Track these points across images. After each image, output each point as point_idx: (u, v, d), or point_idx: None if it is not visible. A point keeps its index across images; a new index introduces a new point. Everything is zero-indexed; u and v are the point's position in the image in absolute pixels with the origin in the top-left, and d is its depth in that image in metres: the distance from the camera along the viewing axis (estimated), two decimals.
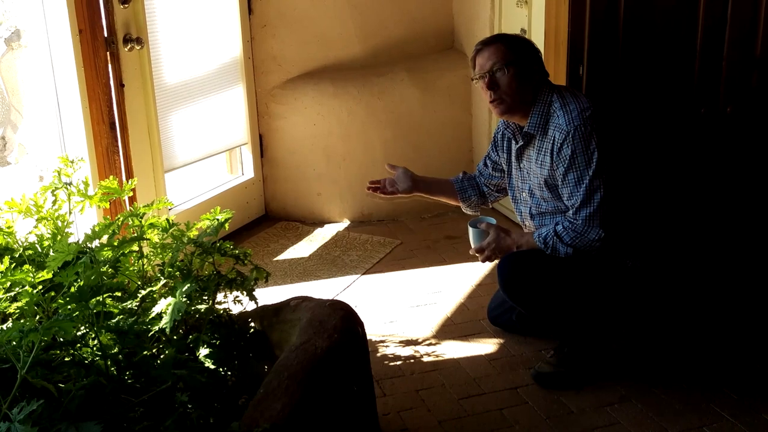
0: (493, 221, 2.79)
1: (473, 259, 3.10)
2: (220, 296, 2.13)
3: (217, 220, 2.19)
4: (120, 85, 3.30)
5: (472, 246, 2.75)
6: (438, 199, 3.11)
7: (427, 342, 3.03)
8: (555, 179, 2.60)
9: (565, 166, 2.54)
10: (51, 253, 1.89)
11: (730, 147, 2.90)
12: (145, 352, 1.82)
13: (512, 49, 2.60)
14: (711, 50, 2.83)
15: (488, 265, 3.54)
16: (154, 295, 2.01)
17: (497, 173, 2.93)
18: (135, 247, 2.13)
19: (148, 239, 2.17)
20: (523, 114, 2.64)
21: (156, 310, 1.88)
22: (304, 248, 3.98)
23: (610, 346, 2.81)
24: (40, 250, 2.07)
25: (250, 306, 2.17)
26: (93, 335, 1.77)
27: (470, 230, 2.75)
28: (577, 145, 2.51)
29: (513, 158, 2.79)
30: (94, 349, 1.77)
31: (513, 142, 2.76)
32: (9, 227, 2.14)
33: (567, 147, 2.53)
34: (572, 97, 2.61)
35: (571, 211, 2.56)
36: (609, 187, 2.52)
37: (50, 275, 1.83)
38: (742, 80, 2.80)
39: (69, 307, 1.71)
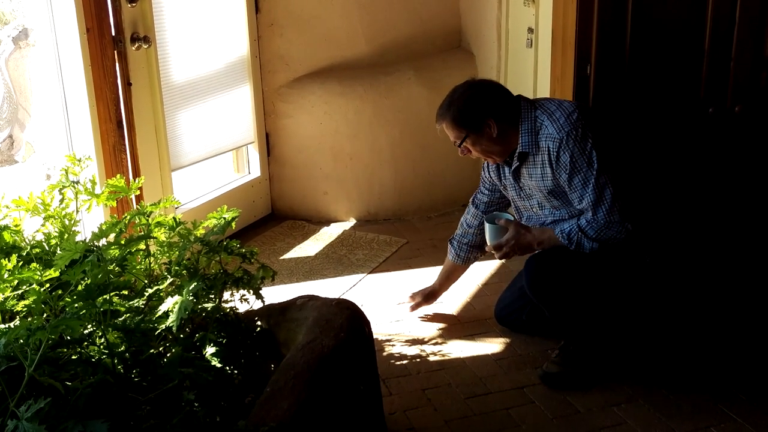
0: (511, 217, 2.75)
1: (480, 258, 3.10)
2: (226, 295, 2.13)
3: (224, 218, 2.19)
4: (127, 84, 3.31)
5: (489, 243, 2.71)
6: (458, 278, 3.18)
7: (434, 341, 3.02)
8: (561, 186, 2.59)
9: (567, 172, 2.53)
10: (58, 252, 1.89)
11: (738, 147, 2.89)
12: (151, 351, 1.82)
13: (460, 122, 2.60)
14: (719, 50, 2.82)
15: (494, 265, 3.54)
16: (161, 294, 2.01)
17: (498, 192, 2.92)
18: (142, 246, 2.13)
19: (155, 238, 2.17)
20: (514, 144, 2.64)
21: (163, 308, 1.89)
22: (310, 247, 3.98)
23: (618, 346, 2.80)
24: (47, 248, 2.07)
25: (257, 305, 2.17)
26: (100, 333, 1.77)
27: (487, 227, 2.70)
28: (573, 150, 2.50)
29: (510, 181, 2.77)
30: (101, 347, 1.77)
31: (505, 167, 2.74)
32: (16, 225, 2.14)
33: (564, 153, 2.52)
34: (555, 105, 2.61)
35: (588, 214, 2.54)
36: (618, 181, 2.50)
37: (57, 273, 1.83)
38: (751, 80, 2.79)
39: (76, 305, 1.72)
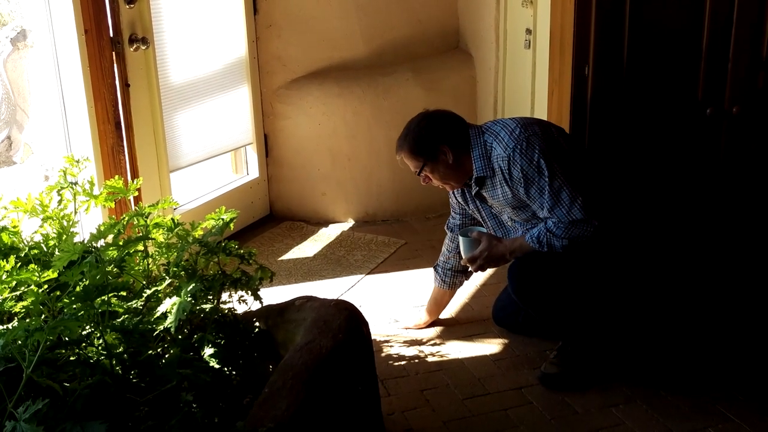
0: (484, 230, 2.80)
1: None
2: (224, 296, 2.12)
3: (222, 219, 2.19)
4: (125, 85, 3.31)
5: (464, 256, 2.76)
6: (447, 304, 3.19)
7: (432, 342, 3.02)
8: (523, 201, 2.64)
9: (522, 185, 2.58)
10: (56, 253, 1.89)
11: (736, 148, 2.89)
12: (150, 352, 1.82)
13: (416, 152, 2.69)
14: (717, 51, 2.82)
15: None
16: (159, 295, 2.01)
17: (470, 215, 2.96)
18: (140, 247, 2.13)
19: (153, 239, 2.17)
20: (470, 170, 2.70)
21: (161, 309, 1.88)
22: (308, 248, 3.98)
23: (615, 346, 2.80)
24: (45, 249, 2.07)
25: (255, 306, 2.17)
26: (98, 334, 1.77)
27: (461, 240, 2.75)
28: (522, 164, 2.55)
29: (478, 204, 2.83)
30: (100, 348, 1.77)
31: (468, 191, 2.81)
32: (15, 227, 2.14)
33: (514, 169, 2.57)
34: (500, 126, 2.67)
35: (553, 219, 2.56)
36: (576, 181, 2.53)
37: (56, 275, 1.83)
38: (749, 81, 2.79)
39: (74, 306, 1.72)
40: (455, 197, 2.93)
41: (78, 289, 1.75)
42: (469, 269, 2.90)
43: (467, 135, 2.69)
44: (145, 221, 2.19)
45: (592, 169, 2.64)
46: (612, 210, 2.59)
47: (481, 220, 2.90)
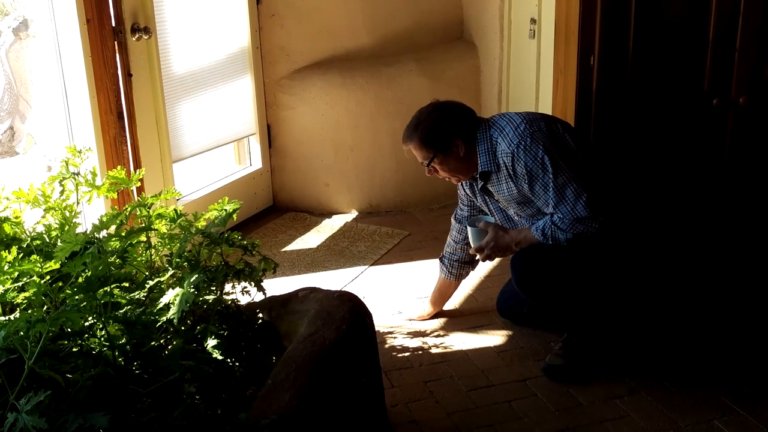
0: (492, 220, 2.79)
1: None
2: (228, 287, 2.12)
3: (225, 210, 2.18)
4: (128, 75, 3.29)
5: (472, 246, 2.76)
6: (452, 294, 3.18)
7: (436, 333, 3.02)
8: (528, 197, 2.63)
9: (527, 182, 2.57)
10: (59, 244, 1.89)
11: (742, 139, 2.87)
12: (152, 343, 1.81)
13: (427, 143, 2.67)
14: (724, 40, 2.80)
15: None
16: (162, 286, 2.00)
17: (478, 206, 2.96)
18: (143, 238, 2.12)
19: (156, 230, 2.16)
20: (477, 164, 2.68)
21: (164, 300, 1.88)
22: (312, 239, 3.98)
23: (620, 338, 2.79)
24: (47, 240, 2.07)
25: (258, 297, 2.16)
26: (101, 326, 1.76)
27: (469, 229, 2.76)
28: (526, 160, 2.54)
29: (486, 198, 2.83)
30: (102, 339, 1.76)
31: (474, 184, 2.81)
32: (17, 217, 2.14)
33: (519, 165, 2.56)
34: (505, 120, 2.66)
35: (557, 215, 2.55)
36: (583, 178, 2.51)
37: (58, 265, 1.82)
38: (756, 71, 2.77)
39: (77, 297, 1.71)
40: (464, 189, 2.92)
41: (80, 280, 1.75)
42: (477, 258, 2.90)
43: (476, 128, 2.67)
44: (148, 212, 2.18)
45: (598, 164, 2.62)
46: (617, 204, 2.58)
47: (489, 213, 2.89)
